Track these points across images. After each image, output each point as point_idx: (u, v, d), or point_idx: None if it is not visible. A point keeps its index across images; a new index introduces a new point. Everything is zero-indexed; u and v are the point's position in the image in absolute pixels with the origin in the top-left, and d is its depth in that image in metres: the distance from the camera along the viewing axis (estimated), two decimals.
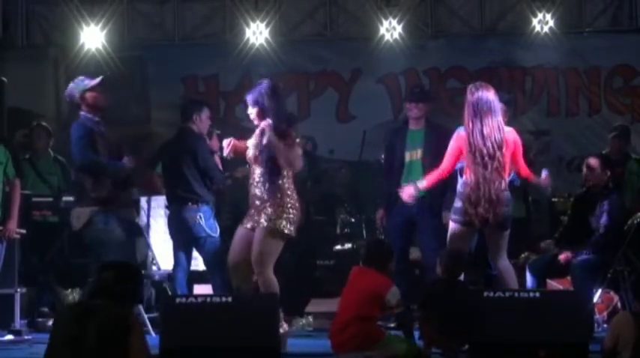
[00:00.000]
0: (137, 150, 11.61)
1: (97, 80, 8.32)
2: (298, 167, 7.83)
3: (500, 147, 7.87)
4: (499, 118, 7.93)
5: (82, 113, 8.27)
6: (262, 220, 7.72)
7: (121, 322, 5.68)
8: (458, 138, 8.00)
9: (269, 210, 7.71)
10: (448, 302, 7.31)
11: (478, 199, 7.88)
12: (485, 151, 7.84)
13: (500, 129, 7.89)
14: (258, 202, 7.79)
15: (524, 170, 8.10)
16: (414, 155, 8.90)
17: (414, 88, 9.76)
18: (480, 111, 7.87)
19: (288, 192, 7.76)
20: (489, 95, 7.92)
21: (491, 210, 7.87)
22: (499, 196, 7.88)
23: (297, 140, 7.83)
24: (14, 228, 8.62)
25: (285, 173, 7.76)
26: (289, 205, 7.75)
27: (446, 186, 8.55)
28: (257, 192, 7.80)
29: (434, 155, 8.64)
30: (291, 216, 7.76)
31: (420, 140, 8.89)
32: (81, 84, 8.28)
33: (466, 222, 7.96)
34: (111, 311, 5.70)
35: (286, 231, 7.73)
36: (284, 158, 7.70)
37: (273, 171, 7.72)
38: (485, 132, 7.84)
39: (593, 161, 8.77)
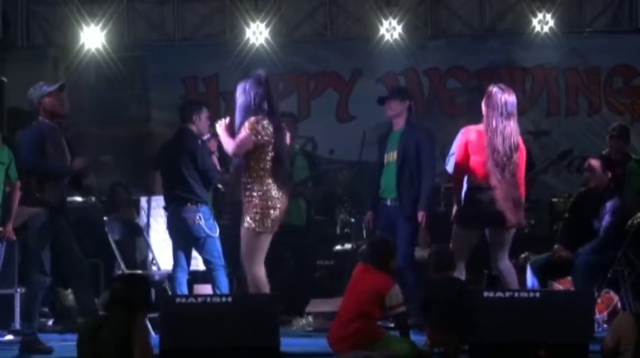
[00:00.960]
0: (137, 150, 11.68)
1: (55, 86, 8.27)
2: (229, 151, 7.89)
3: (516, 150, 7.99)
4: (516, 122, 8.04)
5: (40, 118, 8.21)
6: (247, 220, 7.81)
7: (127, 324, 5.87)
8: (466, 132, 8.06)
9: (252, 212, 7.79)
10: (448, 302, 7.31)
11: (492, 200, 7.90)
12: (503, 152, 7.92)
13: (518, 133, 8.03)
14: (247, 200, 7.88)
15: (522, 185, 8.15)
16: (391, 156, 8.89)
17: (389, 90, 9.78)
18: (506, 113, 7.97)
19: (273, 193, 7.82)
20: (514, 98, 8.05)
21: (507, 211, 7.91)
22: (514, 198, 7.93)
23: (249, 128, 7.78)
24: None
25: (262, 166, 7.81)
26: (271, 206, 7.81)
27: (419, 187, 8.58)
28: (246, 191, 7.88)
29: (404, 156, 8.71)
30: (274, 216, 7.83)
31: (397, 141, 8.88)
32: (39, 89, 8.22)
33: (476, 223, 7.99)
34: (119, 317, 5.86)
35: (269, 230, 7.83)
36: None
37: (242, 169, 7.87)
38: (506, 133, 7.94)
39: (594, 162, 8.78)
